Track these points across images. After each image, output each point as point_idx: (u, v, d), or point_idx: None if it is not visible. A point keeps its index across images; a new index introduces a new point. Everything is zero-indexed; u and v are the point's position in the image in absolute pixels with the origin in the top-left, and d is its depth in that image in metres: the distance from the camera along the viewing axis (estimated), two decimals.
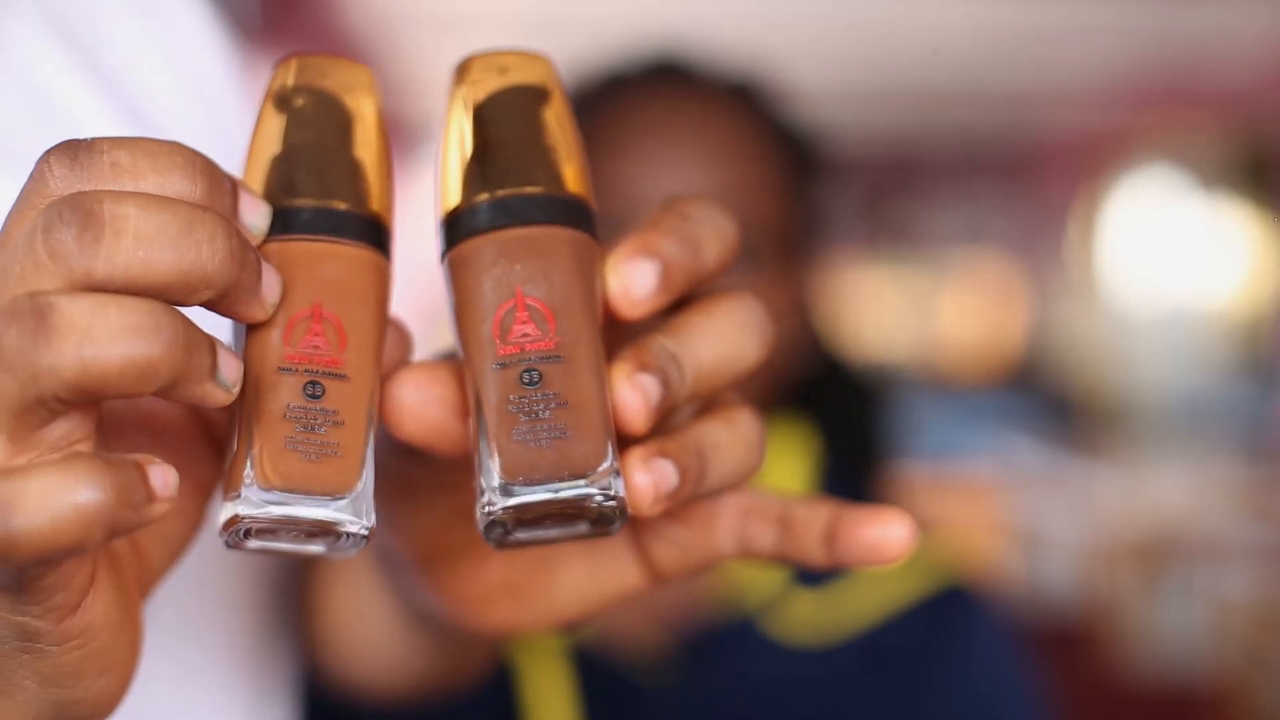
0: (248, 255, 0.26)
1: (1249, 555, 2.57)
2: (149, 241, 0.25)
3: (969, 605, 0.74)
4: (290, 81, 0.29)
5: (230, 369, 0.26)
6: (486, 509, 0.28)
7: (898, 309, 8.27)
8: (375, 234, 0.29)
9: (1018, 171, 8.36)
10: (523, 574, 0.34)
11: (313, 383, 0.28)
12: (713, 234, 0.30)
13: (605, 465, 0.28)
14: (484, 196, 0.29)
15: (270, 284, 0.27)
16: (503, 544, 0.29)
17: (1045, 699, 0.75)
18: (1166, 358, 6.23)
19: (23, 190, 0.26)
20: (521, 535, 0.29)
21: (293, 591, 0.48)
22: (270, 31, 3.94)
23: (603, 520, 0.29)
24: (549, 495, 0.28)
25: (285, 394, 0.27)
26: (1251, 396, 4.80)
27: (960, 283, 8.54)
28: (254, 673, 0.45)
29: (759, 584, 0.71)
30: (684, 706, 0.69)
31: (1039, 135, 8.19)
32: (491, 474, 0.28)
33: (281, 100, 0.29)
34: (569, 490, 0.28)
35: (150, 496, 0.24)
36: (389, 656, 0.43)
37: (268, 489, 0.27)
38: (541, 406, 0.28)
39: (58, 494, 0.23)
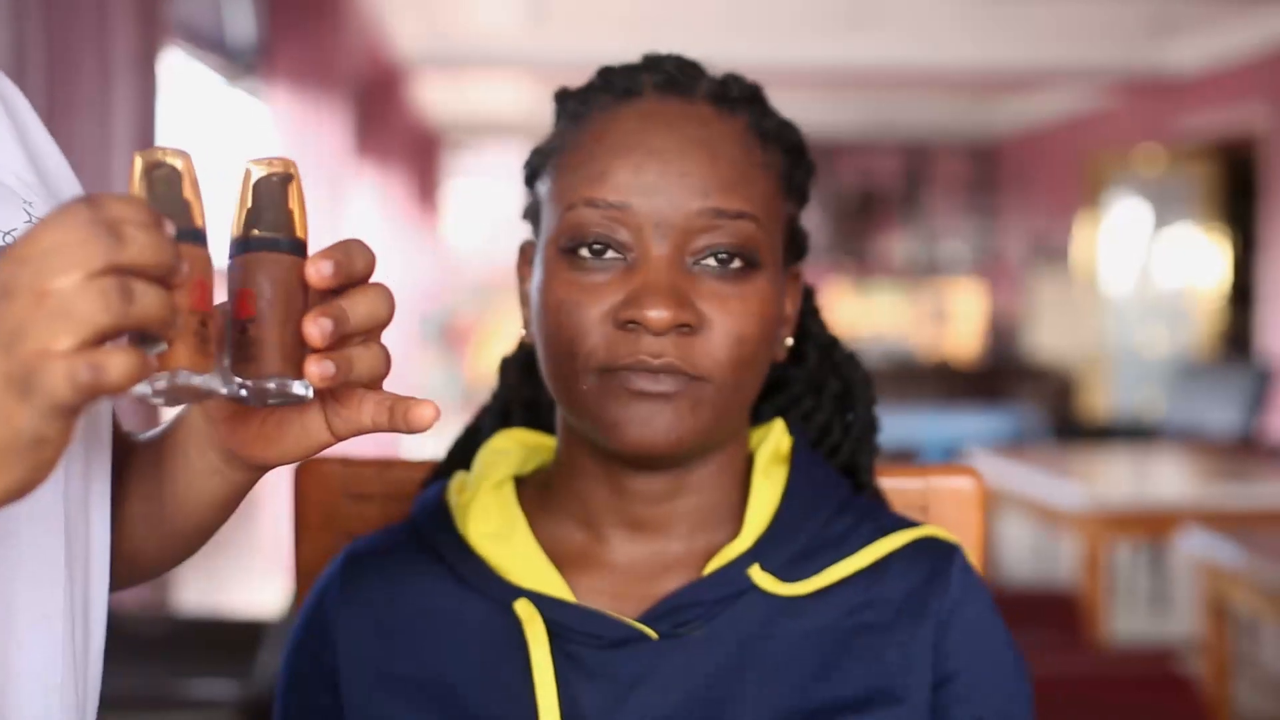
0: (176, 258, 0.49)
1: (1226, 529, 2.65)
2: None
3: (944, 548, 0.76)
4: (156, 159, 0.52)
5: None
6: (224, 390, 0.54)
7: (882, 320, 8.21)
8: (205, 241, 0.52)
9: (1000, 189, 8.37)
10: (270, 429, 0.61)
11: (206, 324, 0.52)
12: (360, 255, 0.55)
13: (286, 370, 0.54)
14: (242, 234, 0.55)
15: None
16: (259, 405, 0.56)
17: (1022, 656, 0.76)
18: (1149, 360, 6.22)
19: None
20: (271, 402, 0.55)
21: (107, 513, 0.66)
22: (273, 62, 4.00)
23: (296, 397, 0.55)
24: (252, 383, 0.54)
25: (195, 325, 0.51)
26: (1232, 397, 4.81)
27: (946, 292, 8.48)
28: (70, 598, 0.60)
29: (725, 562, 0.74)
30: (669, 658, 0.71)
31: (1019, 159, 8.19)
32: (229, 374, 0.54)
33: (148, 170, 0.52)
34: (261, 383, 0.54)
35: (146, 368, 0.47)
36: (198, 495, 0.66)
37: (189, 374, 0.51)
38: (251, 340, 0.54)
39: (126, 362, 0.44)
